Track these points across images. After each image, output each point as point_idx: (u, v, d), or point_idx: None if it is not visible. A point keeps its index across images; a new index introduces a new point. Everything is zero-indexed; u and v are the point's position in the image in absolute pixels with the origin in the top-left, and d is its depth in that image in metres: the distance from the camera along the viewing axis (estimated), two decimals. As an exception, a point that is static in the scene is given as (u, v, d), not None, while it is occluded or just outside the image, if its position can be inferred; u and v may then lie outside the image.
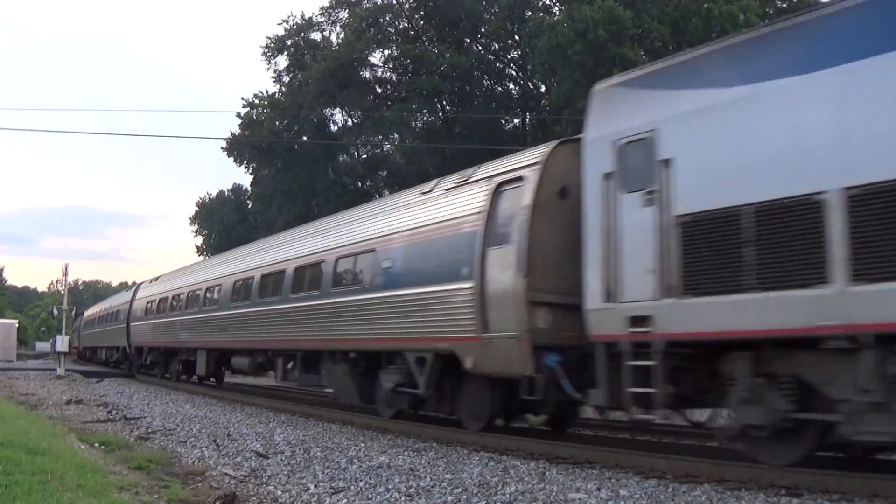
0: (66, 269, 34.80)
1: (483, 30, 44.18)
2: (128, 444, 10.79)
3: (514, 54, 45.03)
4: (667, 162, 8.56)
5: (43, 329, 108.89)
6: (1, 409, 13.37)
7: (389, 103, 43.65)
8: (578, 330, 9.58)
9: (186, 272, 26.88)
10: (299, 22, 46.06)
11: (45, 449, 8.53)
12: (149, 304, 29.14)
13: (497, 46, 45.16)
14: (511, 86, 45.65)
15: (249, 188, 55.60)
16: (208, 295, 22.66)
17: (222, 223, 60.00)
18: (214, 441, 11.15)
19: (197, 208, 64.87)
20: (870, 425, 6.91)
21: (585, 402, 10.08)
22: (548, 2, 43.02)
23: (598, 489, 7.47)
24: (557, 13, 38.69)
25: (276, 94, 46.73)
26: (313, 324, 15.17)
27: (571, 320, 9.84)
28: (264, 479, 8.12)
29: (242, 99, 48.12)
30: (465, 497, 7.15)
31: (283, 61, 46.92)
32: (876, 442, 7.13)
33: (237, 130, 46.39)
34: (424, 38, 45.56)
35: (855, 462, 8.94)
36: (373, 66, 45.54)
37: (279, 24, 46.48)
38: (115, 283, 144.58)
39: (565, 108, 32.71)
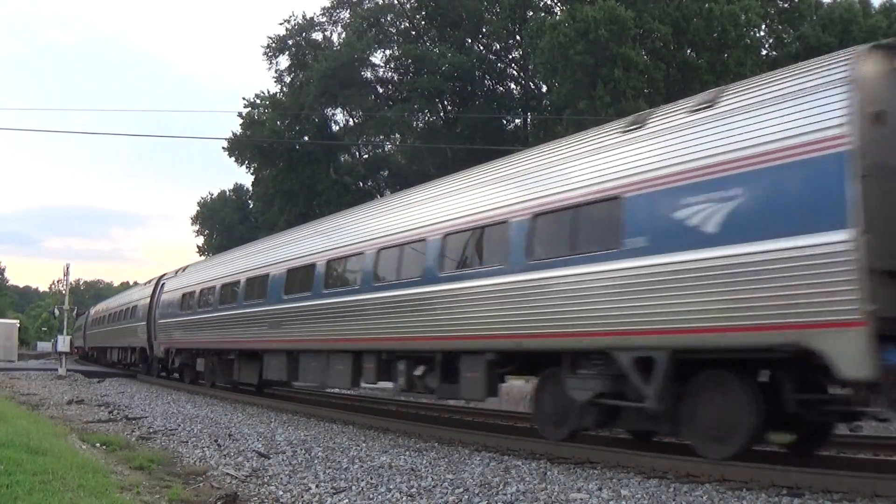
0: (68, 268, 34.78)
1: (484, 30, 44.23)
2: (129, 444, 10.79)
3: (516, 54, 45.09)
4: None
5: (44, 329, 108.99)
6: (2, 408, 13.38)
7: (391, 103, 43.70)
8: None
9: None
10: (301, 22, 46.19)
11: (46, 449, 8.54)
12: None
13: (498, 46, 45.21)
14: (512, 86, 45.75)
15: (251, 188, 55.68)
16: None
17: (224, 223, 60.19)
18: (216, 441, 11.15)
19: (198, 208, 65.10)
20: None
21: None
22: (549, 2, 43.07)
23: (600, 489, 7.46)
24: (559, 13, 38.70)
25: (278, 94, 46.83)
26: None
27: None
28: (266, 479, 8.12)
29: (244, 99, 48.39)
30: (466, 497, 7.15)
31: (284, 61, 47.11)
32: None
33: (239, 130, 46.47)
34: (426, 38, 45.60)
35: (856, 462, 8.93)
36: (374, 66, 45.67)
37: (280, 24, 46.66)
38: (116, 283, 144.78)
39: (567, 107, 32.72)
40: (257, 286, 18.04)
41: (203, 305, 21.99)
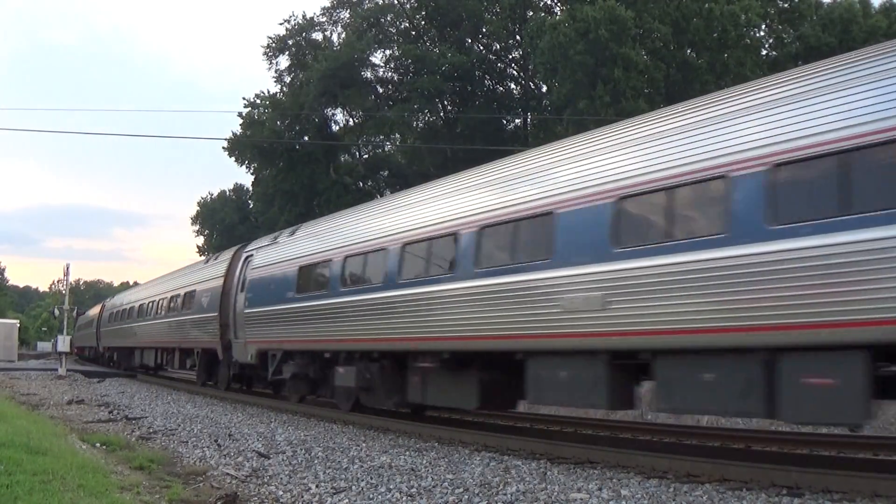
0: (68, 269, 34.80)
1: (484, 30, 44.23)
2: (129, 444, 10.79)
3: (516, 54, 45.09)
4: None
5: (44, 329, 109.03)
6: (2, 408, 13.38)
7: (391, 103, 43.70)
8: None
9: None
10: (301, 22, 46.19)
11: (46, 449, 8.54)
12: None
13: (498, 46, 45.20)
14: (512, 86, 45.75)
15: (251, 188, 55.67)
16: None
17: (224, 223, 60.12)
18: (216, 441, 11.15)
19: (198, 208, 65.09)
20: None
21: None
22: (549, 2, 43.09)
23: (600, 489, 7.47)
24: (559, 13, 38.70)
25: (278, 94, 46.81)
26: None
27: None
28: (266, 479, 8.12)
29: (244, 99, 48.32)
30: (466, 497, 7.15)
31: (284, 61, 47.12)
32: None
33: (239, 130, 46.47)
34: (426, 38, 45.60)
35: (856, 462, 8.93)
36: (374, 66, 45.64)
37: (280, 24, 46.67)
38: (116, 283, 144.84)
39: (566, 107, 32.72)
40: (522, 238, 10.49)
41: (357, 283, 13.99)
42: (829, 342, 7.03)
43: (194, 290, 23.10)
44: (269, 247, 18.77)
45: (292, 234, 18.16)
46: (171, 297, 25.83)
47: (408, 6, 45.57)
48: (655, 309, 8.30)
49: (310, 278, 15.87)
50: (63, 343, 34.40)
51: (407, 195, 14.74)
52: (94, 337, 43.36)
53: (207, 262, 24.32)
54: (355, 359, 14.06)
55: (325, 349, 15.00)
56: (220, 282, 20.80)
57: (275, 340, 16.98)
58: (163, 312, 26.64)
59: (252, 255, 19.22)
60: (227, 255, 22.16)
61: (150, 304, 28.94)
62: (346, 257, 14.34)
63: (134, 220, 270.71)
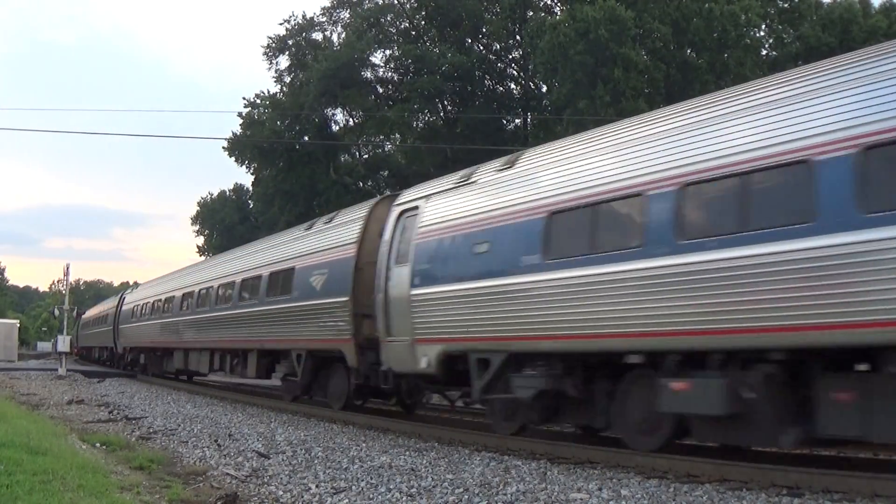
0: (68, 269, 34.93)
1: (484, 30, 44.26)
2: (129, 444, 10.79)
3: (516, 54, 45.11)
4: None
5: (44, 329, 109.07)
6: (2, 408, 13.38)
7: (391, 103, 43.71)
8: None
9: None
10: (300, 22, 46.20)
11: (46, 449, 8.54)
12: None
13: (498, 46, 45.22)
14: (512, 86, 45.76)
15: (251, 188, 55.65)
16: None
17: (224, 223, 60.13)
18: (216, 441, 11.15)
19: (198, 208, 65.09)
20: None
21: None
22: (549, 2, 43.11)
23: (600, 489, 7.47)
24: (559, 13, 38.72)
25: (278, 94, 46.81)
26: None
27: None
28: (266, 479, 8.12)
29: (244, 99, 48.23)
30: (466, 497, 7.15)
31: (284, 61, 47.11)
32: None
33: (239, 130, 46.46)
34: (426, 38, 45.60)
35: (856, 462, 8.93)
36: (374, 67, 45.64)
37: (280, 24, 46.65)
38: (116, 283, 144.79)
39: (566, 107, 32.73)
40: None
41: (732, 228, 7.82)
42: None
43: (293, 268, 16.85)
44: (452, 191, 12.44)
45: (510, 165, 11.46)
46: (245, 280, 19.51)
47: (408, 6, 45.58)
48: None
49: (584, 229, 9.58)
50: (63, 343, 34.45)
51: None
52: (108, 336, 36.96)
53: (312, 227, 17.67)
54: (712, 366, 8.26)
55: (631, 348, 9.03)
56: (353, 252, 14.52)
57: (490, 336, 10.75)
58: (231, 301, 20.04)
59: (417, 209, 12.88)
60: (357, 212, 15.62)
61: (207, 292, 22.25)
62: (687, 185, 8.33)
63: (134, 220, 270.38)
